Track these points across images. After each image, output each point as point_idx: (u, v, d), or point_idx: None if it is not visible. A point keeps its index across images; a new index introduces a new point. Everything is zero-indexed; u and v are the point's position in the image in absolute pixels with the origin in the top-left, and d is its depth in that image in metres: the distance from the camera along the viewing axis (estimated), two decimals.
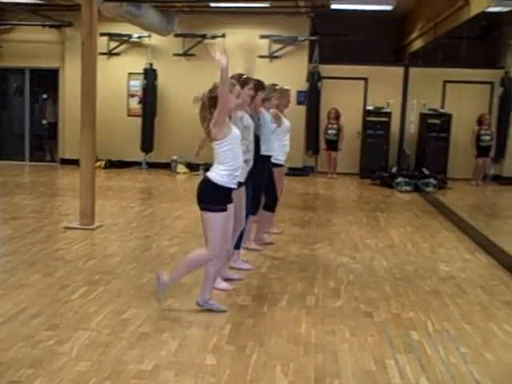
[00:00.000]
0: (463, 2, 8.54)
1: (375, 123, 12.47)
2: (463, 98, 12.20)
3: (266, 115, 5.73)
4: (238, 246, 5.31)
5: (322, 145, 12.56)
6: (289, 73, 12.03)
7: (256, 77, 5.22)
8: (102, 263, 5.50)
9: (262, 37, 12.48)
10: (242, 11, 12.09)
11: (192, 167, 12.26)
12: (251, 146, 4.95)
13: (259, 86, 5.31)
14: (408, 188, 10.99)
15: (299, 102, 12.34)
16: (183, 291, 4.71)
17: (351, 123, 12.57)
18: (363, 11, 11.13)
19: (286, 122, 6.66)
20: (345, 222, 7.98)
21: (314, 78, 12.57)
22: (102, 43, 12.06)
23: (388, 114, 12.52)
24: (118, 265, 5.46)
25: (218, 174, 4.07)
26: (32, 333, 3.78)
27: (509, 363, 3.64)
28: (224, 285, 4.78)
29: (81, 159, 7.01)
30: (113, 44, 12.88)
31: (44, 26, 12.69)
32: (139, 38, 12.76)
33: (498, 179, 12.17)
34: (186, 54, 12.75)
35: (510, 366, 3.60)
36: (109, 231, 6.85)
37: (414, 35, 12.18)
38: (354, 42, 13.38)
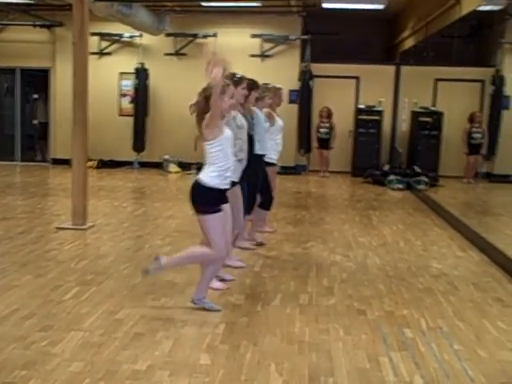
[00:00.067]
0: (454, 0, 8.58)
1: (367, 122, 12.50)
2: (454, 96, 12.26)
3: (260, 114, 5.72)
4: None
5: (314, 143, 12.57)
6: (281, 72, 12.02)
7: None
8: (95, 263, 5.48)
9: (254, 36, 12.50)
10: (233, 10, 12.09)
11: (184, 166, 12.24)
12: (245, 146, 4.95)
13: (253, 85, 5.31)
14: (400, 186, 11.02)
15: (291, 101, 12.34)
16: (177, 290, 4.71)
17: (343, 122, 12.58)
18: (355, 10, 11.15)
19: (279, 121, 6.66)
20: (337, 220, 7.99)
21: (306, 77, 12.57)
22: (93, 43, 12.01)
23: (380, 113, 12.55)
24: (111, 265, 5.43)
25: (208, 176, 4.07)
26: (24, 334, 3.76)
27: (502, 360, 3.65)
28: (218, 284, 4.78)
29: (73, 159, 6.99)
30: (104, 44, 12.84)
31: (35, 25, 12.62)
32: (130, 37, 12.73)
33: (489, 177, 12.23)
34: (177, 54, 12.73)
35: (503, 362, 3.61)
36: (101, 231, 6.82)
37: (405, 34, 12.22)
38: (346, 40, 13.39)
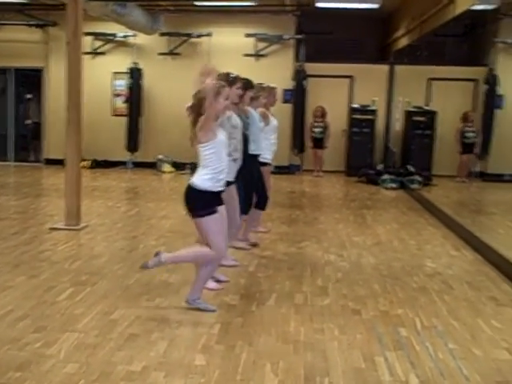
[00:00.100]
0: (448, 0, 8.58)
1: (361, 121, 12.53)
2: (448, 95, 12.30)
3: (255, 114, 5.72)
4: None
5: (308, 143, 12.58)
6: (274, 71, 12.01)
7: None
8: (89, 264, 5.46)
9: (248, 35, 12.49)
10: (227, 10, 12.07)
11: (178, 166, 12.23)
12: (239, 146, 4.95)
13: (247, 84, 5.30)
14: (394, 185, 11.04)
15: (285, 101, 12.34)
16: (171, 291, 4.70)
17: (337, 121, 12.60)
18: (349, 9, 11.13)
19: (274, 121, 6.66)
20: (331, 219, 8.00)
21: (300, 77, 12.58)
22: (87, 42, 11.97)
23: (373, 112, 12.57)
24: (105, 265, 5.42)
25: (200, 180, 4.07)
26: (19, 335, 3.74)
27: (497, 358, 3.66)
28: (213, 284, 4.77)
29: (66, 159, 6.96)
30: (97, 43, 12.80)
31: (28, 25, 12.57)
32: (124, 37, 12.69)
33: (483, 176, 12.27)
34: (171, 53, 12.71)
35: (497, 361, 3.62)
36: (95, 232, 6.80)
37: (399, 33, 12.20)
38: (340, 40, 13.39)
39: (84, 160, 11.48)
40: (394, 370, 3.44)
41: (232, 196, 4.92)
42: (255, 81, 5.98)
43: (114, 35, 12.68)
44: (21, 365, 3.34)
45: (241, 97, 5.10)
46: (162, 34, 12.50)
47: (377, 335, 3.95)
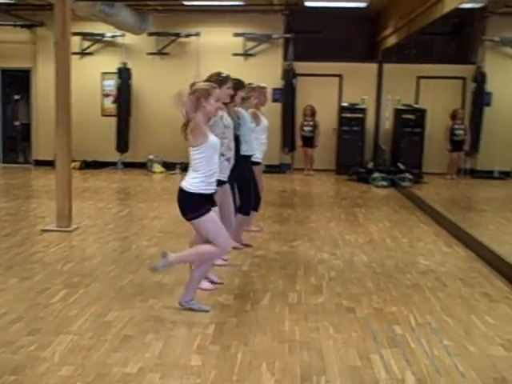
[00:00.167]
0: None
1: (350, 119, 12.53)
2: (437, 93, 12.36)
3: (246, 115, 5.70)
4: None
5: (298, 142, 12.59)
6: (264, 70, 12.02)
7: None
8: (81, 265, 5.43)
9: (237, 35, 12.47)
10: (216, 9, 12.06)
11: (168, 166, 12.19)
12: (232, 145, 4.93)
13: (239, 84, 5.29)
14: (384, 183, 11.07)
15: (275, 100, 12.34)
16: (165, 291, 4.68)
17: (327, 120, 12.61)
18: (337, 8, 11.16)
19: (264, 121, 6.66)
20: (323, 218, 8.00)
21: (289, 76, 12.58)
22: (75, 43, 11.87)
23: (363, 111, 12.58)
24: (97, 267, 5.39)
25: (190, 183, 4.06)
26: (12, 338, 3.71)
27: (492, 355, 3.67)
28: (207, 285, 4.75)
29: (56, 160, 6.91)
30: (86, 43, 12.74)
31: (15, 25, 12.47)
32: (112, 37, 12.63)
33: (472, 173, 12.34)
34: (160, 53, 12.66)
35: (493, 357, 3.64)
36: (86, 233, 6.76)
37: (387, 32, 12.24)
38: (329, 39, 13.40)
39: (73, 161, 11.43)
40: (389, 368, 3.44)
41: (226, 196, 4.90)
42: (244, 80, 5.98)
43: (102, 35, 12.62)
44: (15, 368, 3.31)
45: (232, 97, 5.07)
46: (151, 34, 12.46)
47: (372, 333, 3.96)
